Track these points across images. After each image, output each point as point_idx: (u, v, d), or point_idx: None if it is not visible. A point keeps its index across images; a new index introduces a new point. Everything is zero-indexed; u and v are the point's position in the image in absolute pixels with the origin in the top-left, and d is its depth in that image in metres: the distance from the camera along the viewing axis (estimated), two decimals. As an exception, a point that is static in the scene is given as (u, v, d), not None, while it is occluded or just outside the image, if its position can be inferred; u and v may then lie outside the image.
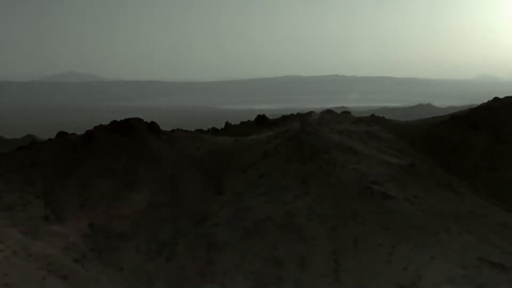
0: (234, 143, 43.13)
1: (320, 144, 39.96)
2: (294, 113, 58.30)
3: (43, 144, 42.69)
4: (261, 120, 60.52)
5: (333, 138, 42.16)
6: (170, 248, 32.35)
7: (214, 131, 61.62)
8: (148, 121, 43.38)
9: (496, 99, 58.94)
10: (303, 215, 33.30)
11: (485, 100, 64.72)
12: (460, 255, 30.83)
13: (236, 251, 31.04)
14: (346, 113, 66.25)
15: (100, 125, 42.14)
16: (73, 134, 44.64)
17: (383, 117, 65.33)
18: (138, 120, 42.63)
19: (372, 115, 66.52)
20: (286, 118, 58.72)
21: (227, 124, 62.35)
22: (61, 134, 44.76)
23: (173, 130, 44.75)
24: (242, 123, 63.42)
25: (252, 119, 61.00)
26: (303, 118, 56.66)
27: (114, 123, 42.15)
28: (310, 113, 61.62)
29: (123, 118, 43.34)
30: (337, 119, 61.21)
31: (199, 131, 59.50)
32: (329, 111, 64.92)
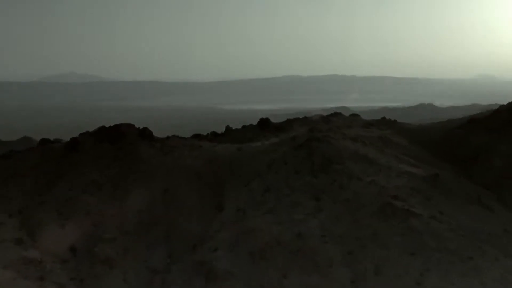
0: (236, 152, 38.71)
1: (333, 153, 35.52)
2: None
3: (23, 154, 38.27)
4: (264, 123, 56.10)
5: (346, 145, 37.73)
6: (163, 277, 27.96)
7: (213, 135, 57.27)
8: (140, 127, 39.02)
9: (519, 100, 54.51)
10: (316, 236, 28.88)
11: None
12: (499, 285, 26.54)
13: (239, 281, 26.65)
14: (355, 116, 61.86)
15: (86, 132, 37.74)
16: (57, 141, 40.26)
17: (395, 120, 60.89)
18: (129, 126, 38.22)
19: (383, 118, 62.06)
20: (292, 122, 54.31)
21: (227, 128, 57.95)
22: (44, 142, 40.36)
23: (168, 137, 40.30)
24: (244, 127, 59.02)
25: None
26: (310, 122, 52.29)
27: (101, 129, 37.77)
28: (317, 116, 57.23)
29: (114, 123, 39.25)
30: (346, 123, 56.91)
31: (197, 136, 55.17)
32: (336, 114, 60.51)
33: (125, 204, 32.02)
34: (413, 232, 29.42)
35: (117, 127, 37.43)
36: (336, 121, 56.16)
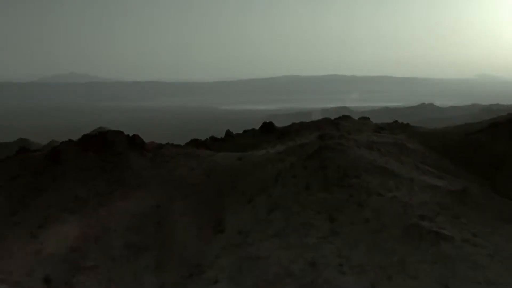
0: (237, 162, 34.44)
1: (348, 164, 31.23)
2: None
3: (-2, 164, 34.00)
4: (267, 128, 51.98)
5: (362, 155, 33.45)
6: (153, 314, 23.78)
7: (213, 140, 53.08)
8: (130, 134, 34.77)
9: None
10: (332, 266, 24.63)
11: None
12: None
13: (243, 322, 22.44)
14: (364, 119, 57.62)
15: (69, 141, 33.45)
16: (37, 151, 36.02)
17: (408, 124, 56.71)
18: (117, 133, 33.94)
19: (395, 121, 57.87)
20: (298, 126, 50.07)
21: (227, 133, 53.79)
22: (22, 151, 36.09)
23: (161, 146, 35.99)
24: (245, 131, 54.86)
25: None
26: (318, 126, 48.07)
27: (86, 137, 33.51)
28: (325, 120, 53.01)
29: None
30: (356, 127, 52.68)
31: (195, 141, 50.99)
32: (345, 117, 56.26)
33: (110, 224, 27.75)
34: (445, 259, 25.19)
35: (103, 135, 33.17)
36: (346, 125, 51.96)
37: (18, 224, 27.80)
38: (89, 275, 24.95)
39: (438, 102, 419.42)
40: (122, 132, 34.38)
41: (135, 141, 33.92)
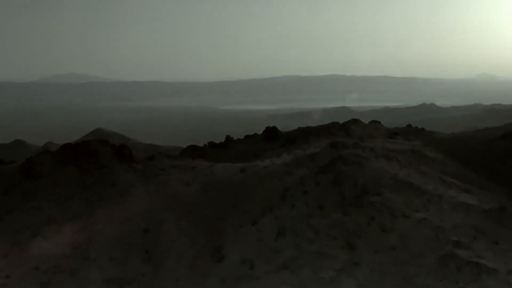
0: (239, 175, 30.17)
1: (367, 180, 26.96)
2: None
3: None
4: (271, 133, 47.74)
5: (382, 167, 29.19)
6: None
7: (211, 146, 48.85)
8: (117, 144, 30.50)
9: None
10: (354, 306, 20.46)
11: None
12: None
13: None
14: (375, 123, 53.43)
15: (47, 152, 29.13)
16: (11, 162, 31.75)
17: (422, 128, 52.56)
18: (101, 143, 29.64)
19: (409, 126, 53.70)
20: (305, 132, 45.85)
21: (228, 138, 49.59)
22: (-6, 163, 31.83)
23: (152, 157, 31.65)
24: (247, 137, 50.66)
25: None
26: (327, 131, 43.84)
27: (65, 148, 29.21)
28: (334, 124, 48.78)
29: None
30: (368, 132, 48.49)
31: (192, 148, 46.81)
32: (355, 121, 52.06)
33: (89, 253, 23.50)
34: (489, 297, 21.05)
35: (85, 145, 28.89)
36: (356, 130, 47.74)
37: (-20, 252, 23.56)
38: (61, 318, 20.73)
39: (438, 102, 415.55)
40: (107, 142, 30.08)
41: (122, 152, 29.65)
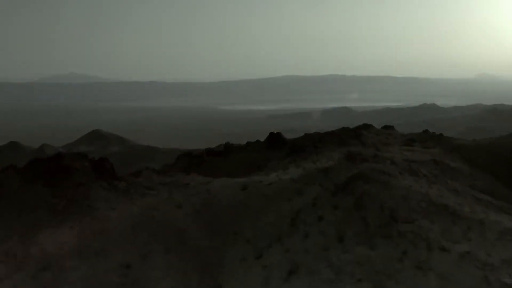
0: (240, 194, 25.61)
1: (396, 203, 22.39)
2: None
3: None
4: (275, 141, 43.17)
5: (410, 186, 24.62)
6: None
7: (209, 155, 44.32)
8: (96, 158, 25.93)
9: None
10: None
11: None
12: None
13: None
14: (388, 128, 48.88)
15: (11, 166, 24.52)
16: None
17: (441, 134, 47.96)
18: (78, 157, 25.08)
19: (426, 131, 49.11)
20: (313, 139, 41.34)
21: (227, 146, 45.05)
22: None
23: (138, 173, 27.02)
24: (248, 144, 46.08)
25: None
26: (338, 138, 39.31)
27: (35, 163, 24.65)
28: (344, 130, 44.25)
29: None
30: (382, 139, 43.98)
31: (188, 155, 42.36)
32: (366, 126, 47.51)
33: (55, 298, 18.96)
34: None
35: (59, 160, 24.32)
36: (369, 137, 43.21)
37: None
38: None
39: (439, 102, 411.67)
40: (85, 156, 25.50)
41: (102, 167, 25.07)
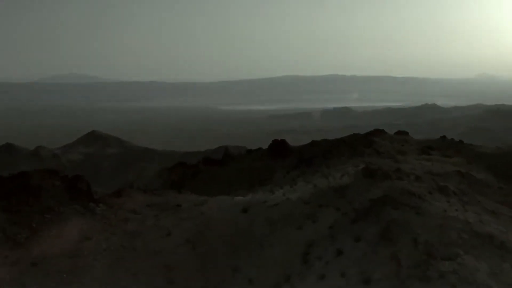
0: (241, 219, 21.56)
1: (432, 235, 18.30)
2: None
3: None
4: (280, 148, 39.09)
5: (445, 211, 20.51)
6: None
7: (206, 163, 40.31)
8: (70, 175, 21.83)
9: None
10: None
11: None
12: None
13: None
14: (402, 133, 44.79)
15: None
16: None
17: (460, 141, 43.92)
18: (47, 175, 21.00)
19: (443, 137, 45.07)
20: (321, 146, 37.25)
21: (226, 153, 40.96)
22: None
23: (119, 193, 22.90)
24: (249, 152, 42.00)
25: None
26: (349, 146, 35.19)
27: (-5, 182, 20.54)
28: (355, 136, 40.17)
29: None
30: (396, 147, 39.89)
31: (182, 165, 38.37)
32: (379, 132, 43.44)
33: None
34: None
35: (24, 178, 20.24)
36: (382, 144, 39.13)
37: None
38: None
39: (440, 102, 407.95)
40: (56, 173, 21.42)
41: (76, 187, 20.98)
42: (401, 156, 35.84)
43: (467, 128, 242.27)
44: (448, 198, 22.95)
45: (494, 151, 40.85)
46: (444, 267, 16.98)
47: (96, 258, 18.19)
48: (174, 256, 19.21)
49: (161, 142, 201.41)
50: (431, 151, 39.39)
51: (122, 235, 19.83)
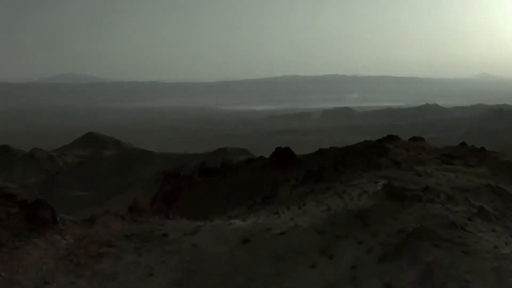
0: (240, 252, 17.59)
1: (486, 284, 14.36)
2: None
3: None
4: (284, 158, 35.07)
5: (496, 248, 16.55)
6: None
7: (202, 174, 36.35)
8: (30, 200, 17.84)
9: None
10: None
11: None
12: None
13: None
14: (419, 140, 40.83)
15: None
16: None
17: (483, 148, 39.90)
18: (2, 199, 16.99)
19: (463, 144, 41.11)
20: (328, 157, 33.25)
21: (224, 164, 36.98)
22: None
23: (92, 220, 18.66)
24: (250, 161, 37.99)
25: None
26: (361, 154, 31.19)
27: None
28: (367, 143, 36.25)
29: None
30: (413, 155, 35.89)
31: (175, 177, 34.55)
32: (391, 138, 39.51)
33: None
34: None
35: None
36: (397, 152, 35.15)
37: None
38: None
39: (440, 102, 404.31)
40: (14, 197, 17.46)
41: (37, 216, 16.99)
42: (421, 166, 31.89)
43: (471, 128, 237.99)
44: (492, 226, 18.97)
45: (518, 160, 36.86)
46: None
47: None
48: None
49: (161, 142, 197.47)
50: (452, 159, 35.44)
51: (92, 277, 15.84)
